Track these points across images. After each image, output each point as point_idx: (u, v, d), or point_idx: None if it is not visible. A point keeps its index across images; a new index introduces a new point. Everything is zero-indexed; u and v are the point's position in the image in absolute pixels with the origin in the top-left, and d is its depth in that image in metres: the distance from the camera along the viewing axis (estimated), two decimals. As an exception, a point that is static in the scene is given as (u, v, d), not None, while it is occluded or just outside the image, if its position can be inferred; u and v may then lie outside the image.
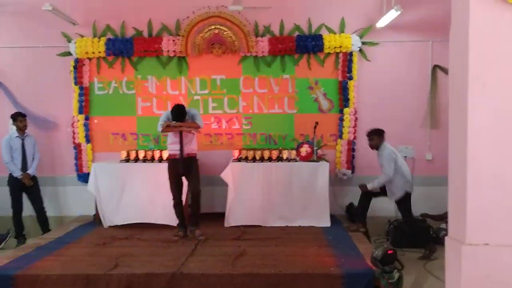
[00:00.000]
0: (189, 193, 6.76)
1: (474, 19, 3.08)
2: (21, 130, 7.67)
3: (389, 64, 8.03)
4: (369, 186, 6.90)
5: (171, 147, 6.58)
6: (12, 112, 7.81)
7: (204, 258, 5.56)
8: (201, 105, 8.10)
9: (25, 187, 7.65)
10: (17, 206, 7.66)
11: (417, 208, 7.83)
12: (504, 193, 3.11)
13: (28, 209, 7.81)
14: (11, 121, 7.76)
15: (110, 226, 7.25)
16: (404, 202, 6.81)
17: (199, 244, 6.20)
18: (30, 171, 7.65)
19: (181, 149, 6.43)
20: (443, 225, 7.39)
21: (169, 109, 6.65)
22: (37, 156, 7.80)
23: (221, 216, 7.28)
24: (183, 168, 6.47)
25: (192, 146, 6.60)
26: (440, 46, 7.81)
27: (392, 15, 7.20)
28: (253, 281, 4.93)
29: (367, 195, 7.04)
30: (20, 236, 7.65)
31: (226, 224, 7.17)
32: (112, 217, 7.31)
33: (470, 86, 3.12)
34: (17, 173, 7.56)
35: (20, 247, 6.59)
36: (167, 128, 6.48)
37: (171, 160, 6.60)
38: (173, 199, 6.60)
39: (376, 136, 6.89)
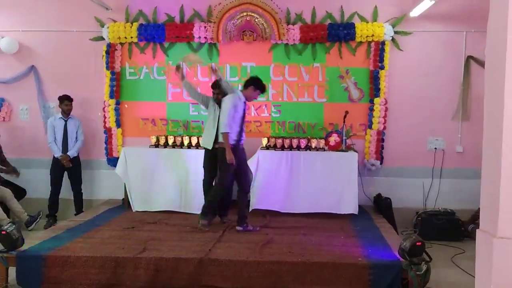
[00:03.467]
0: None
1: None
2: (65, 113, 7.87)
3: (422, 54, 7.91)
4: None
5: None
6: (38, 97, 8.23)
7: (231, 245, 5.58)
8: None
9: (66, 168, 7.86)
10: (55, 186, 7.88)
11: (448, 200, 7.80)
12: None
13: (64, 191, 8.02)
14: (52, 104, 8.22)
15: (138, 211, 7.34)
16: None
17: (227, 231, 6.23)
18: (70, 152, 7.83)
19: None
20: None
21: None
22: (80, 139, 7.99)
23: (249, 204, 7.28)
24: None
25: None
26: (474, 37, 7.68)
27: (426, 4, 7.09)
28: (280, 269, 4.93)
29: None
30: (51, 217, 7.84)
31: (251, 208, 7.12)
32: (141, 202, 7.39)
33: (507, 78, 3.06)
34: (57, 154, 7.80)
35: (51, 228, 6.71)
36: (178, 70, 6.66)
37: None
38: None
39: None
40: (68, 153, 7.82)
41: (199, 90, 7.26)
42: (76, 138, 7.96)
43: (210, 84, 6.94)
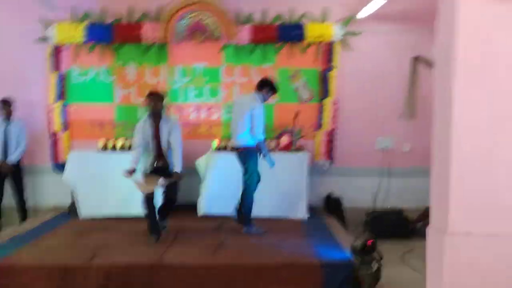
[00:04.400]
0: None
1: (462, 9, 3.07)
2: (6, 116, 7.56)
3: (371, 54, 8.01)
4: None
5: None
6: None
7: (183, 249, 5.51)
8: (181, 94, 8.00)
9: (6, 175, 7.56)
10: None
11: (396, 199, 7.93)
12: (488, 182, 3.12)
13: (9, 199, 7.71)
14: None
15: (85, 218, 7.13)
16: None
17: (178, 235, 6.13)
18: (10, 158, 7.52)
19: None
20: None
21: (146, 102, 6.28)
22: (22, 144, 7.64)
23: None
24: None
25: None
26: (422, 36, 7.80)
27: (376, 4, 7.16)
28: (233, 272, 4.91)
29: None
30: (-4, 225, 7.54)
31: (198, 212, 7.08)
32: (89, 208, 7.19)
33: (456, 76, 3.12)
34: None
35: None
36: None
37: None
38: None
39: None
40: (7, 160, 7.52)
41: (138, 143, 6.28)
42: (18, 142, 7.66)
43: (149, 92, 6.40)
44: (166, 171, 6.05)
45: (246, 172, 6.28)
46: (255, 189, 6.33)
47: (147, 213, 5.97)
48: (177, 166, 6.01)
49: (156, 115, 6.09)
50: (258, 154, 6.31)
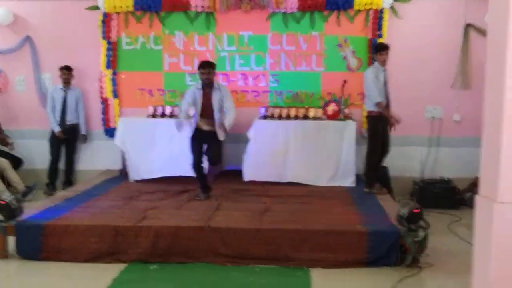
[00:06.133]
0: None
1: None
2: (65, 82, 7.88)
3: (421, 22, 7.84)
4: None
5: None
6: (34, 68, 8.22)
7: (230, 213, 5.61)
8: (227, 62, 8.04)
9: (64, 139, 7.98)
10: (54, 155, 7.97)
11: (445, 169, 7.83)
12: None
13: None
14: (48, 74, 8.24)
15: (136, 181, 7.34)
16: None
17: (224, 199, 6.25)
18: (81, 129, 8.12)
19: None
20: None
21: (196, 65, 6.49)
22: (82, 113, 8.10)
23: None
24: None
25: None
26: (474, 5, 7.58)
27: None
28: (279, 237, 4.98)
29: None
30: (51, 185, 7.90)
31: (244, 178, 7.17)
32: (140, 171, 7.39)
33: (510, 45, 3.04)
34: (53, 125, 7.87)
35: (49, 198, 6.73)
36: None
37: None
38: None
39: None
40: (81, 133, 8.09)
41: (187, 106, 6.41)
42: (77, 109, 8.01)
43: (199, 63, 6.44)
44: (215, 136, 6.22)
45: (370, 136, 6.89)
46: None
47: (196, 175, 6.30)
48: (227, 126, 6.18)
49: (208, 84, 6.16)
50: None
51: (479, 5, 7.33)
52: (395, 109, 7.00)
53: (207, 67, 6.18)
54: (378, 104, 6.61)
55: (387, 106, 6.83)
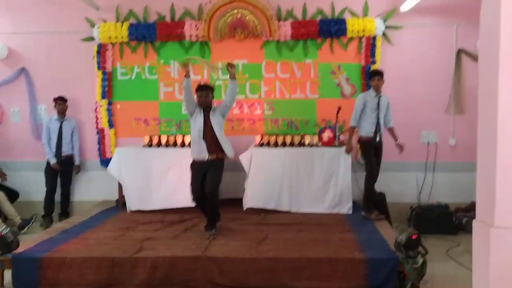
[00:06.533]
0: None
1: (507, 1, 3.03)
2: (60, 113, 7.92)
3: (413, 48, 7.94)
4: None
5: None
6: (29, 99, 8.28)
7: (227, 242, 5.57)
8: (222, 90, 8.08)
9: (59, 170, 8.00)
10: (50, 186, 7.94)
11: (441, 194, 7.83)
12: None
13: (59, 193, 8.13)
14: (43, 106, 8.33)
15: (132, 211, 7.31)
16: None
17: (221, 229, 6.20)
18: (76, 159, 8.14)
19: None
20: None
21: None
22: (77, 143, 8.13)
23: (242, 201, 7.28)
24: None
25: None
26: (465, 30, 7.70)
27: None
28: (276, 265, 4.94)
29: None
30: (48, 217, 7.85)
31: (244, 206, 7.15)
32: (136, 202, 7.36)
33: (501, 70, 3.07)
34: (48, 156, 7.87)
35: (45, 230, 6.68)
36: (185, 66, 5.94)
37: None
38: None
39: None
40: (75, 164, 8.13)
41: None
42: (72, 140, 8.04)
43: (197, 86, 6.19)
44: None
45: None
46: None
47: (200, 209, 6.20)
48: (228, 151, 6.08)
49: (207, 107, 6.10)
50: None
51: (471, 30, 7.43)
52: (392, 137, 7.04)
53: (205, 89, 6.09)
54: (350, 128, 6.90)
55: (390, 130, 6.99)
